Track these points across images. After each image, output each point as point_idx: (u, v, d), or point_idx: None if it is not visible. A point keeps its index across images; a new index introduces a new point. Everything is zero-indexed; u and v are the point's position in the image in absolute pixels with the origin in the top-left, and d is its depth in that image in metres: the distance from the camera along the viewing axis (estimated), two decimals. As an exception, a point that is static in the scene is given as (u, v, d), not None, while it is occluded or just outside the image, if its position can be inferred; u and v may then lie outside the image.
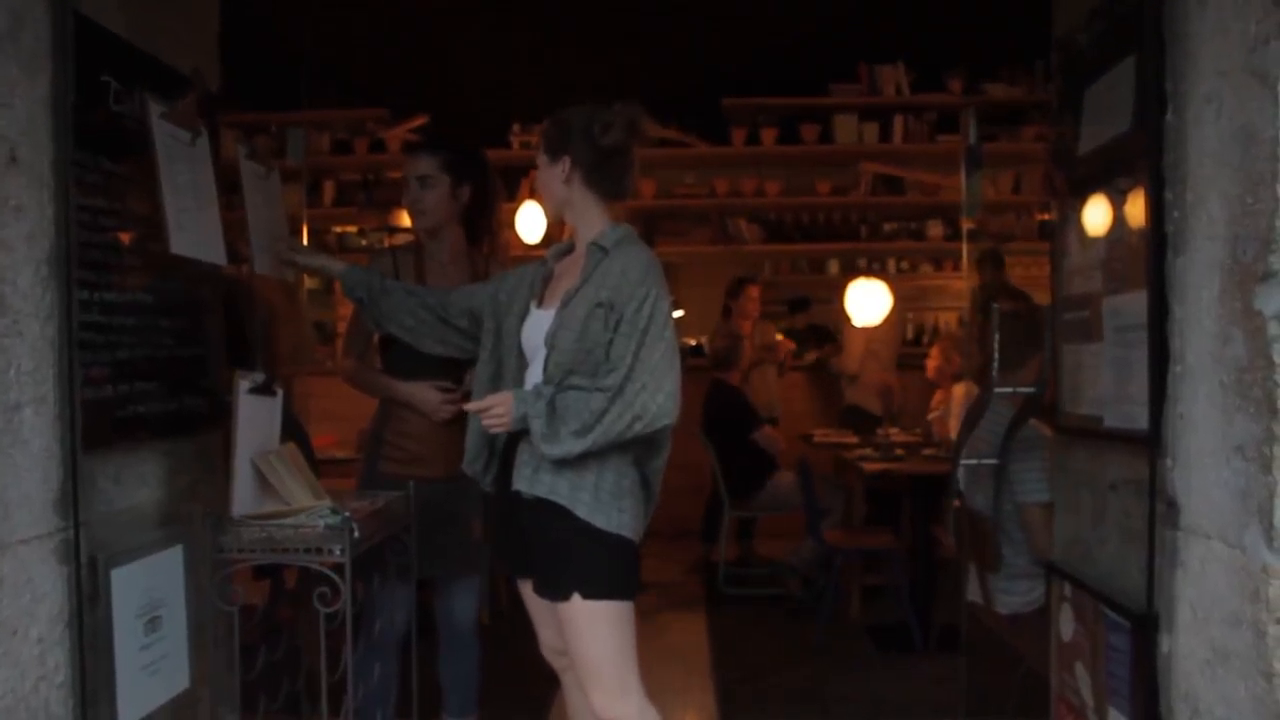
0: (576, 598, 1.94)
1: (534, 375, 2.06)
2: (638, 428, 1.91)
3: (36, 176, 1.53)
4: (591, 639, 1.96)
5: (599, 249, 2.04)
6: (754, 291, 5.65)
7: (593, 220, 2.09)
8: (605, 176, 2.08)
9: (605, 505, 1.96)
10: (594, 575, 1.95)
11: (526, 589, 2.14)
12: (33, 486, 1.51)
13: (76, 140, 1.60)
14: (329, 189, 6.76)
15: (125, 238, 1.78)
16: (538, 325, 2.06)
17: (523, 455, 2.02)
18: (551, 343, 1.99)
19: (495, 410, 1.98)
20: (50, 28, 1.56)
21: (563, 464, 1.95)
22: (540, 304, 2.11)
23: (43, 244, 1.54)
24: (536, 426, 1.93)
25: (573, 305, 1.99)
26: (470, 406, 2.02)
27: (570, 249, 2.16)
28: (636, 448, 2.01)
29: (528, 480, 2.00)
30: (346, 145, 6.72)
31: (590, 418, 1.90)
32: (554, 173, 2.08)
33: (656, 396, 1.92)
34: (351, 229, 6.81)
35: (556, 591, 1.97)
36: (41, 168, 1.54)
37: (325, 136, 6.63)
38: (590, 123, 2.04)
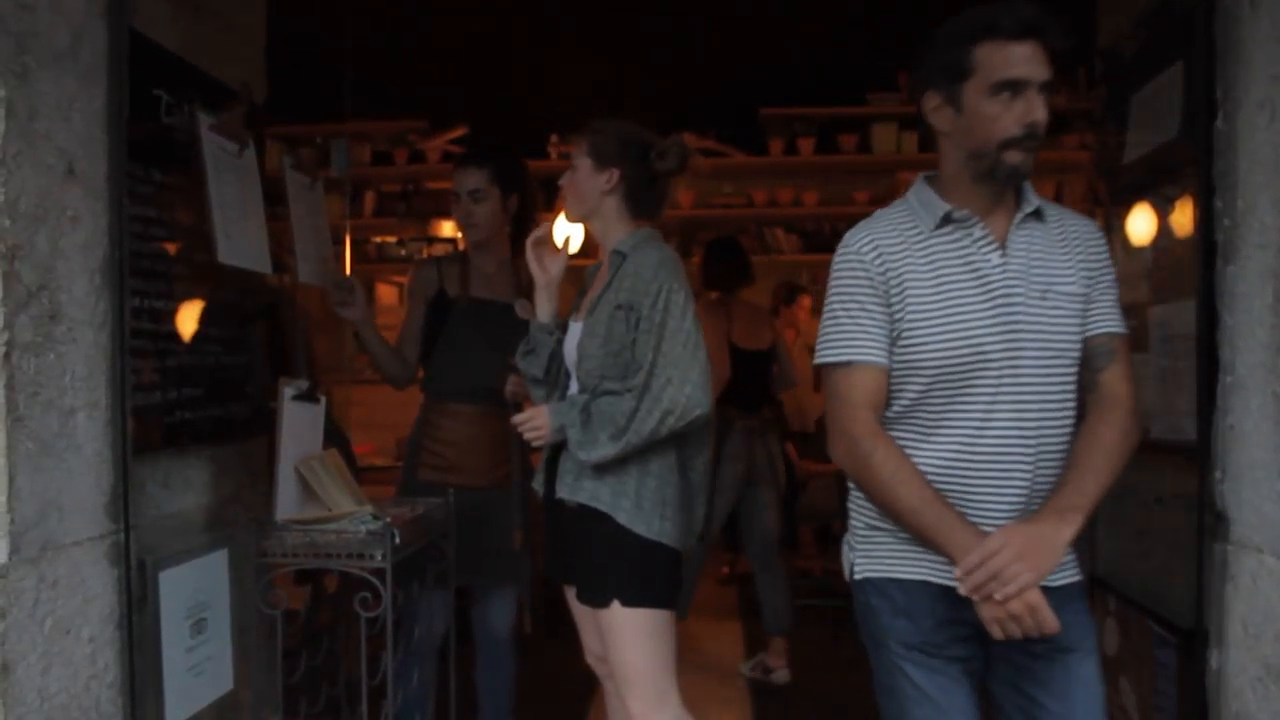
0: (616, 605, 1.95)
1: (575, 387, 2.10)
2: (670, 422, 1.91)
3: (92, 188, 1.57)
4: (630, 647, 1.96)
5: (619, 255, 2.06)
6: (807, 301, 5.61)
7: (618, 231, 2.10)
8: (646, 199, 2.11)
9: (647, 512, 1.96)
10: (634, 583, 1.96)
11: (571, 595, 2.14)
12: (85, 490, 1.55)
13: (129, 152, 1.64)
14: (369, 199, 6.85)
15: (174, 247, 1.82)
16: (573, 338, 2.10)
17: (565, 463, 2.04)
18: (581, 351, 2.03)
19: (533, 423, 2.03)
20: (107, 44, 1.60)
21: (604, 470, 1.97)
22: (578, 315, 2.14)
23: (97, 253, 1.58)
24: (573, 435, 1.96)
25: (597, 312, 2.02)
26: (514, 420, 2.07)
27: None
28: (679, 449, 2.02)
29: (570, 487, 2.02)
30: (387, 156, 6.80)
31: (623, 419, 1.92)
32: (598, 181, 2.08)
33: (684, 388, 1.91)
34: (391, 239, 6.88)
35: (596, 598, 1.99)
36: (97, 179, 1.58)
37: (366, 148, 6.72)
38: (650, 145, 2.08)
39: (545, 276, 2.15)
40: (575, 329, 2.10)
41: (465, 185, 2.59)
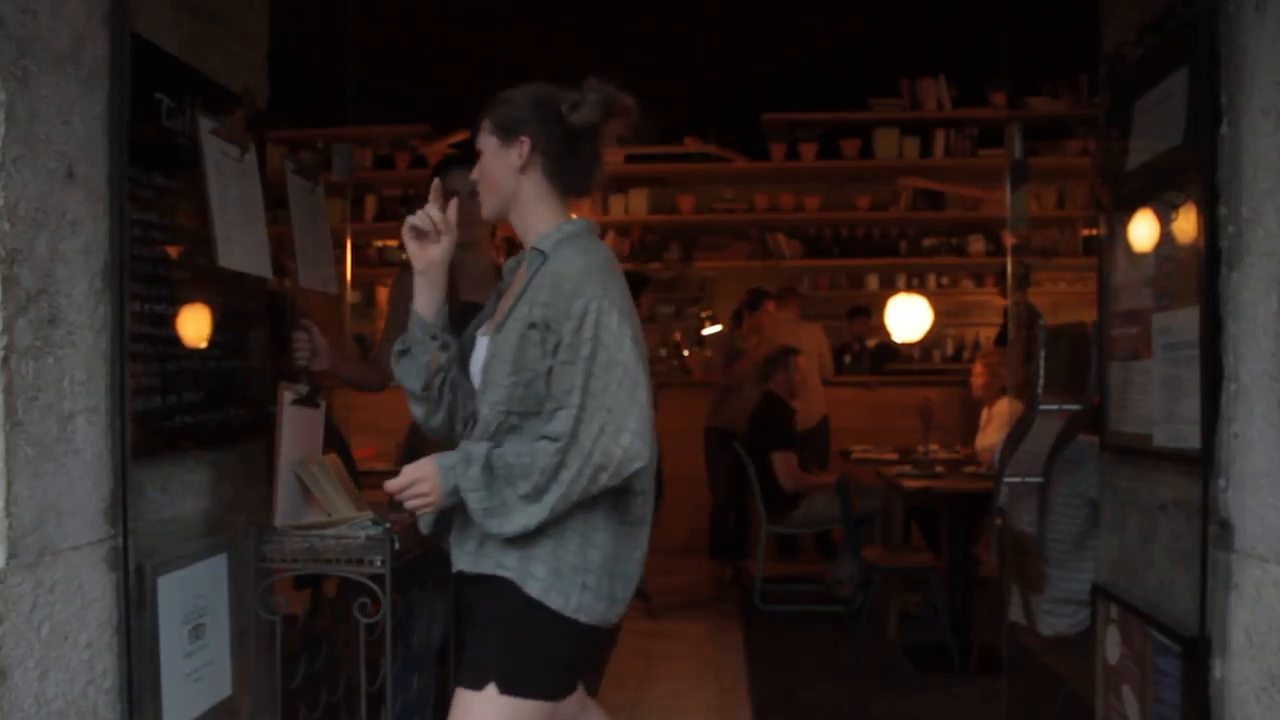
0: (491, 689, 1.56)
1: (480, 424, 1.68)
2: (604, 480, 1.54)
3: (92, 192, 1.57)
4: None
5: (538, 254, 1.65)
6: (771, 307, 5.62)
7: (544, 219, 1.69)
8: (571, 167, 1.69)
9: (565, 580, 1.58)
10: (524, 665, 1.58)
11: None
12: (84, 494, 1.54)
13: (130, 156, 1.64)
14: (371, 203, 6.86)
15: (175, 251, 1.81)
16: (480, 358, 1.70)
17: (464, 528, 1.66)
18: (486, 377, 1.64)
19: (417, 488, 1.58)
20: (108, 48, 1.60)
21: None
22: (486, 331, 1.75)
23: (97, 257, 1.58)
24: (475, 501, 1.56)
25: (506, 329, 1.62)
26: (389, 487, 1.61)
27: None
28: (606, 501, 1.62)
29: (471, 556, 1.65)
30: (388, 160, 6.82)
31: (542, 477, 1.53)
32: (507, 158, 1.67)
33: (620, 438, 1.52)
34: (393, 243, 6.90)
35: (471, 677, 1.59)
36: (97, 183, 1.58)
37: (368, 152, 6.74)
38: (557, 99, 1.66)
39: (423, 258, 1.70)
40: (483, 345, 1.70)
41: (464, 184, 2.59)
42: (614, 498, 1.62)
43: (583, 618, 1.59)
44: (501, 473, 1.56)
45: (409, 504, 1.60)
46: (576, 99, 1.66)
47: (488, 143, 1.70)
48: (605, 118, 1.67)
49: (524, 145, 1.67)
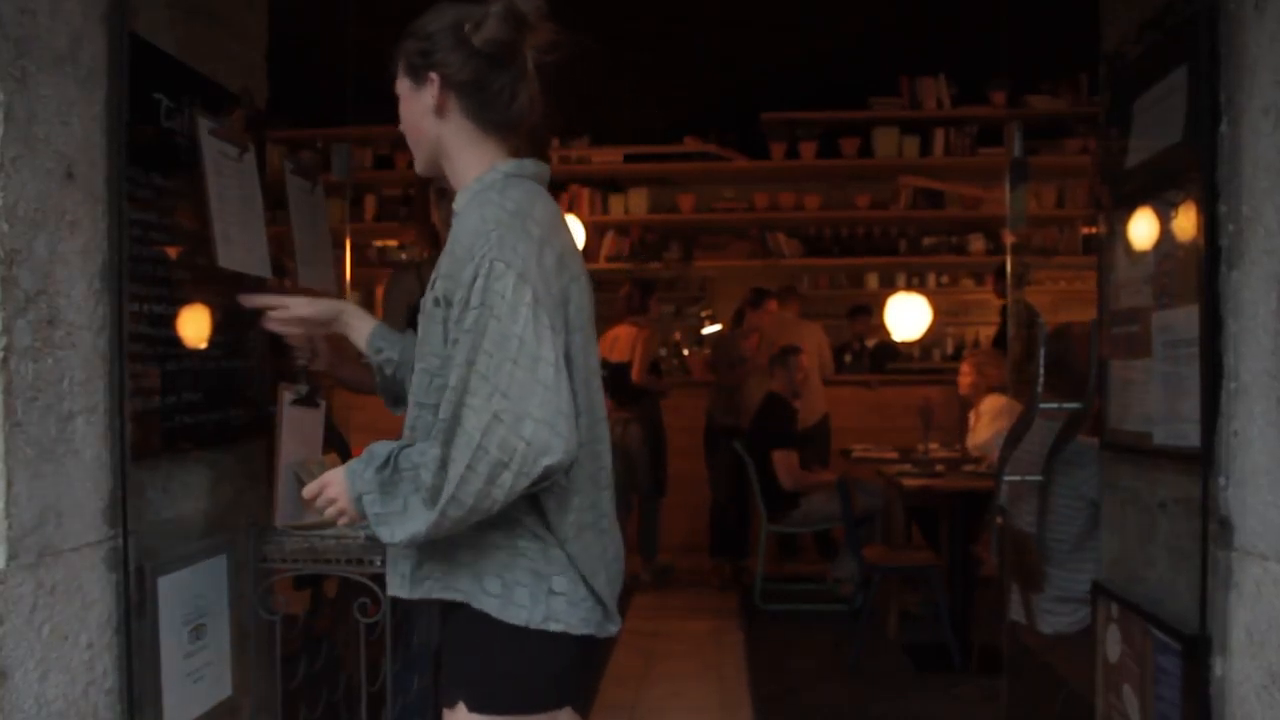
0: (461, 709, 1.40)
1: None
2: (508, 480, 1.27)
3: (91, 192, 1.57)
4: None
5: (458, 214, 1.44)
6: (774, 306, 5.62)
7: (472, 167, 1.46)
8: (489, 99, 1.44)
9: (530, 590, 1.37)
10: (495, 679, 1.39)
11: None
12: (84, 495, 1.54)
13: (129, 156, 1.64)
14: (370, 204, 6.87)
15: (174, 251, 1.81)
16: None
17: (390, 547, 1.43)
18: (413, 364, 1.45)
19: (327, 493, 1.41)
20: (107, 48, 1.60)
21: (455, 545, 1.38)
22: None
23: (96, 258, 1.58)
24: (367, 505, 1.36)
25: (426, 307, 1.42)
26: (305, 493, 1.45)
27: None
28: (552, 499, 1.39)
29: (407, 581, 1.44)
30: (388, 160, 6.82)
31: (430, 475, 1.30)
32: (420, 102, 1.46)
33: (521, 428, 1.26)
34: (392, 243, 6.90)
35: (447, 696, 1.43)
36: (96, 183, 1.58)
37: (367, 152, 6.74)
38: (458, 21, 1.42)
39: (306, 334, 1.67)
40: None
41: (439, 182, 2.58)
42: (559, 496, 1.39)
43: (557, 625, 1.37)
44: (407, 473, 1.34)
45: (326, 512, 1.42)
46: (479, 16, 1.41)
47: (401, 87, 1.48)
48: (517, 32, 1.41)
49: (434, 83, 1.44)
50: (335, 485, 1.40)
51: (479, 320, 1.29)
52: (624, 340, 5.25)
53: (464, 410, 1.28)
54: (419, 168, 1.52)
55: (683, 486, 5.46)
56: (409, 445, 1.39)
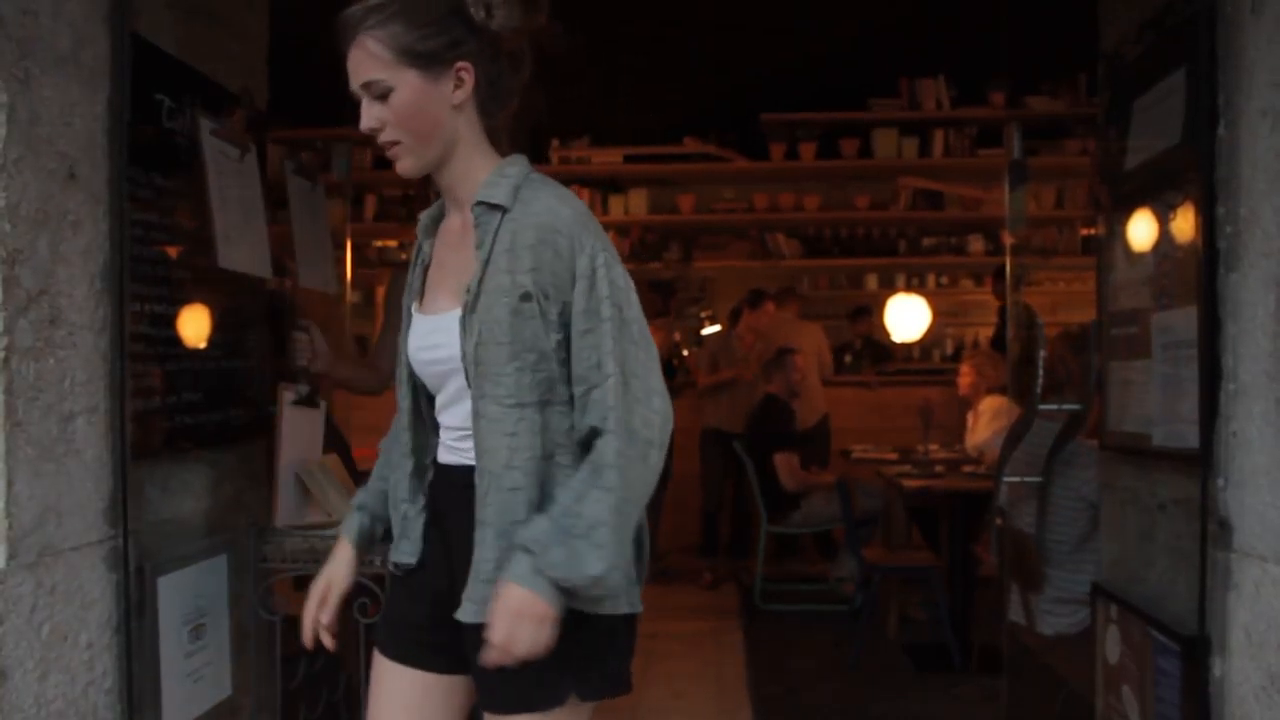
0: (573, 699, 1.32)
1: (451, 414, 1.39)
2: (654, 457, 1.30)
3: (93, 193, 1.57)
4: None
5: (489, 209, 1.33)
6: (771, 307, 5.63)
7: (482, 164, 1.37)
8: (502, 92, 1.36)
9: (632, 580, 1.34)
10: (599, 665, 1.35)
11: (431, 693, 1.41)
12: (85, 495, 1.54)
13: (130, 157, 1.64)
14: (371, 204, 6.87)
15: (175, 251, 1.81)
16: (426, 337, 1.39)
17: (481, 561, 1.31)
18: (479, 370, 1.31)
19: (520, 634, 1.23)
20: (109, 49, 1.60)
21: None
22: (421, 304, 1.43)
23: (98, 258, 1.58)
24: (575, 576, 1.24)
25: (484, 306, 1.30)
26: (490, 662, 1.25)
27: (441, 215, 1.45)
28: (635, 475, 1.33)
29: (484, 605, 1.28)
30: (388, 161, 6.83)
31: (612, 475, 1.25)
32: (437, 93, 1.31)
33: (652, 403, 1.30)
34: (392, 243, 6.90)
35: (538, 697, 1.31)
36: (98, 184, 1.58)
37: (367, 152, 6.73)
38: (460, 4, 1.31)
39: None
40: (428, 324, 1.40)
41: None
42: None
43: (638, 607, 1.37)
44: (570, 519, 1.25)
45: (526, 650, 1.24)
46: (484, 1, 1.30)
47: (402, 78, 1.29)
48: (526, 18, 1.33)
49: (467, 74, 1.31)
50: (526, 613, 1.23)
51: (620, 314, 1.29)
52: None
53: (622, 401, 1.27)
54: (415, 166, 1.35)
55: (684, 487, 5.47)
56: (538, 513, 1.29)
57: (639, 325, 1.32)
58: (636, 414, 1.28)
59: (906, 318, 5.52)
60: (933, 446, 5.03)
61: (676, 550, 5.66)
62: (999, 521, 2.83)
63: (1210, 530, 1.59)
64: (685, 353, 6.85)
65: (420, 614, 1.42)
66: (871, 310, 6.46)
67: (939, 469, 4.37)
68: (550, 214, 1.31)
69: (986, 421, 4.49)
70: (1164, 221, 1.77)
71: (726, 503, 5.53)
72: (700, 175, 6.83)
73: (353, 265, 4.61)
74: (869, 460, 5.02)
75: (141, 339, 1.69)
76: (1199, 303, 1.60)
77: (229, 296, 2.00)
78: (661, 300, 5.75)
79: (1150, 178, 1.82)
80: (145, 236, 1.71)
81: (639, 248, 6.95)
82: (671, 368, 5.73)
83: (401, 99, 1.31)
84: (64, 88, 1.49)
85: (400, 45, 1.29)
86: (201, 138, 1.89)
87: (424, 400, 1.45)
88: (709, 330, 6.73)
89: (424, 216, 1.46)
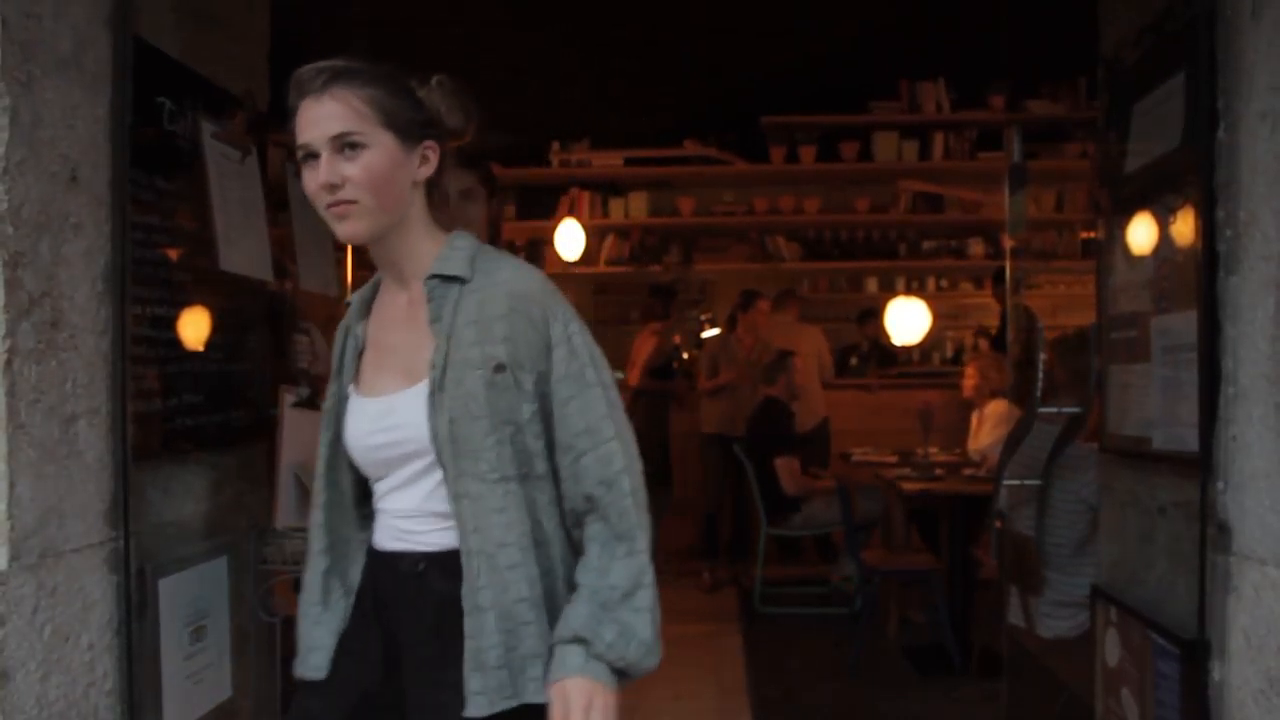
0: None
1: (401, 498, 1.34)
2: (645, 510, 1.33)
3: (95, 195, 1.57)
4: None
5: (445, 281, 1.32)
6: (765, 306, 5.64)
7: (431, 238, 1.36)
8: (440, 185, 1.41)
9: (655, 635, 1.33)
10: None
11: None
12: (86, 497, 1.55)
13: (132, 159, 1.64)
14: (371, 206, 6.88)
15: (176, 254, 1.82)
16: (376, 420, 1.33)
17: (483, 650, 1.27)
18: (454, 448, 1.27)
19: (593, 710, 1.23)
20: (111, 52, 1.60)
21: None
22: (359, 387, 1.38)
23: (99, 260, 1.58)
24: (631, 650, 1.26)
25: (452, 379, 1.28)
26: None
27: (373, 296, 1.43)
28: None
29: (502, 690, 1.26)
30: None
31: (643, 550, 1.28)
32: (408, 164, 1.31)
33: (635, 462, 1.32)
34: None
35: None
36: (100, 186, 1.58)
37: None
38: (448, 96, 1.36)
39: None
40: (369, 405, 1.35)
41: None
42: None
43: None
44: (608, 592, 1.26)
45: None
46: (455, 99, 1.36)
47: (380, 139, 1.28)
48: (465, 126, 1.38)
49: (433, 154, 1.34)
50: (583, 694, 1.23)
51: (596, 374, 1.31)
52: (650, 345, 5.50)
53: (626, 458, 1.31)
54: (366, 231, 1.30)
55: (685, 491, 5.48)
56: (524, 576, 1.28)
57: (614, 390, 1.34)
58: (637, 473, 1.31)
59: (906, 321, 5.52)
60: (932, 449, 5.03)
61: (676, 555, 5.66)
62: (999, 524, 2.83)
63: (1210, 534, 1.59)
64: (686, 355, 6.86)
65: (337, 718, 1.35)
66: (879, 313, 6.47)
67: (939, 472, 4.37)
68: (519, 282, 1.32)
69: (990, 427, 4.49)
70: (1163, 225, 1.77)
71: (726, 505, 5.53)
72: (700, 178, 6.83)
73: (353, 268, 4.61)
74: (869, 463, 5.02)
75: (143, 341, 1.70)
76: (1199, 306, 1.60)
77: (230, 299, 2.00)
78: (661, 304, 5.77)
79: (1150, 181, 1.82)
80: (147, 239, 1.72)
81: (639, 250, 6.95)
82: (672, 370, 5.73)
83: (376, 159, 1.27)
84: (66, 91, 1.50)
85: (383, 108, 1.29)
86: (203, 140, 1.89)
87: (353, 491, 1.40)
88: (709, 334, 6.74)
89: (354, 299, 1.44)
